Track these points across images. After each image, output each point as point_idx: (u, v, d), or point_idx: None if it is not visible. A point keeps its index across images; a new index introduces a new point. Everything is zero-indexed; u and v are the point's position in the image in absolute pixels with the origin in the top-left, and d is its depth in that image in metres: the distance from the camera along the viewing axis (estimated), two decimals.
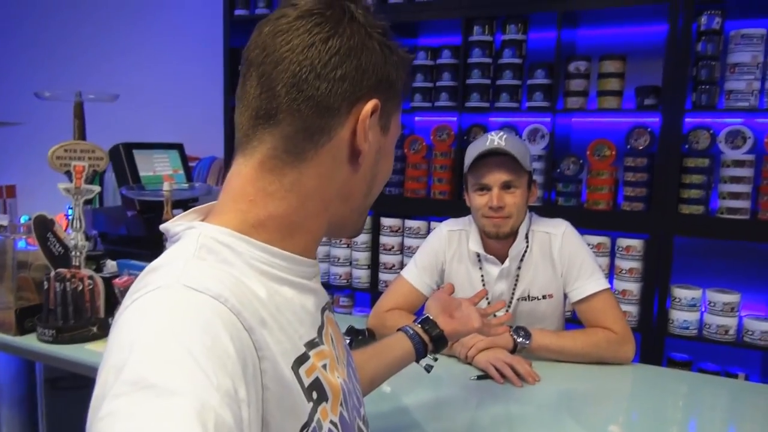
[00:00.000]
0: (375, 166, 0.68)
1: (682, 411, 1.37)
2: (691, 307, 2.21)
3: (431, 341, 1.10)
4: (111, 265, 1.83)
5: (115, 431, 0.43)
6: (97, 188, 1.68)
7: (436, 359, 1.17)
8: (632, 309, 2.30)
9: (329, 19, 0.60)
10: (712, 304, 2.19)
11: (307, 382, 0.59)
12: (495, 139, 1.50)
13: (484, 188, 1.52)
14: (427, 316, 1.13)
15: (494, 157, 1.49)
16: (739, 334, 2.18)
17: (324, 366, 0.63)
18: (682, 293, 2.22)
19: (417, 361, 1.11)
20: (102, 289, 1.61)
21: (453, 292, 1.22)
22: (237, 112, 0.64)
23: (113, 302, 1.63)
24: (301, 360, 0.59)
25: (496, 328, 1.22)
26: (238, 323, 0.52)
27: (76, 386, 1.77)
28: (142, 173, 2.38)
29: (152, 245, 2.12)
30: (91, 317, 1.58)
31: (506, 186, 1.51)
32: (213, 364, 0.47)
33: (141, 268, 1.68)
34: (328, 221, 0.66)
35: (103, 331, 1.59)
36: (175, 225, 0.63)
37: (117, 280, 1.58)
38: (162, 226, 0.65)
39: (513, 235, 1.56)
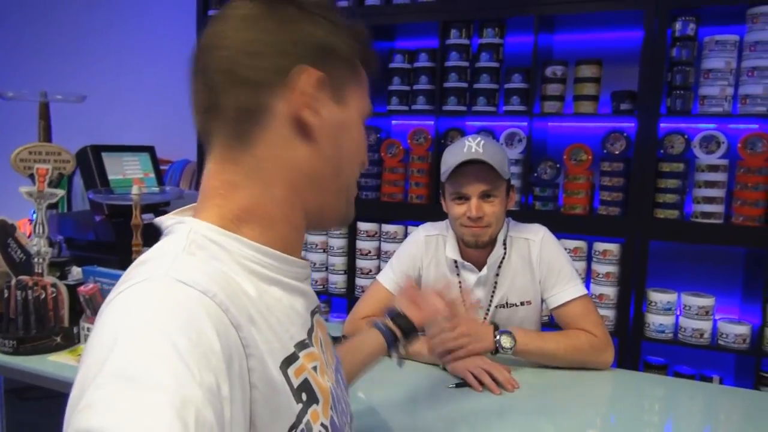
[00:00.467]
0: (338, 142, 0.65)
1: (659, 415, 1.37)
2: (667, 310, 2.22)
3: (402, 333, 1.12)
4: (76, 272, 1.76)
5: (93, 423, 0.42)
6: (61, 192, 1.61)
7: (401, 365, 1.17)
8: (609, 313, 2.30)
9: (264, 2, 0.61)
10: (687, 308, 2.20)
11: (296, 382, 0.58)
12: (473, 146, 1.46)
13: (463, 197, 1.49)
14: (397, 310, 1.15)
15: (472, 166, 1.45)
16: (714, 338, 2.19)
17: (314, 368, 0.63)
18: (658, 297, 2.23)
19: (389, 355, 1.12)
20: (66, 298, 1.55)
21: (414, 287, 1.26)
22: (193, 113, 0.65)
23: (78, 311, 1.57)
24: (289, 360, 0.58)
25: (466, 311, 1.29)
26: (225, 319, 0.51)
27: (42, 396, 1.70)
28: (111, 176, 2.32)
29: (121, 250, 2.06)
30: (55, 327, 1.52)
31: (485, 195, 1.48)
32: (197, 359, 0.46)
33: (107, 276, 1.61)
34: (304, 209, 0.65)
35: (68, 341, 1.53)
36: (167, 218, 0.63)
37: (82, 288, 1.52)
38: (155, 220, 0.65)
39: (491, 242, 1.54)
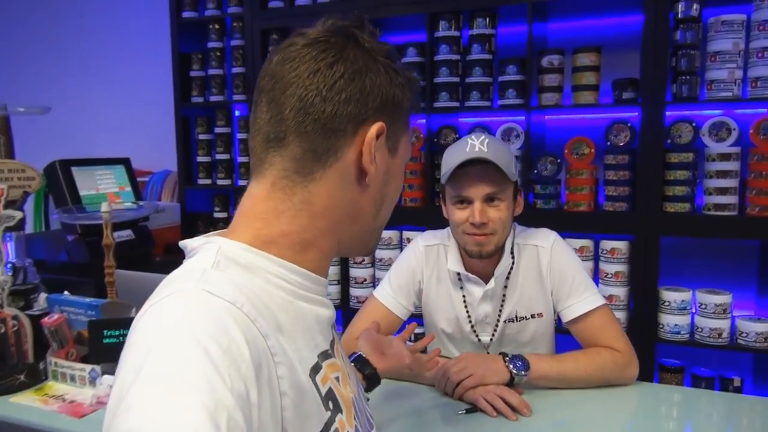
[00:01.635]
0: (384, 187, 0.69)
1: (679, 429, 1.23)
2: (682, 310, 2.09)
3: (365, 379, 1.10)
4: (44, 299, 1.60)
5: (131, 423, 0.45)
6: (19, 214, 1.47)
7: (368, 399, 1.03)
8: (620, 315, 2.17)
9: (334, 45, 0.63)
10: (702, 306, 2.07)
11: (323, 390, 0.61)
12: (476, 145, 1.32)
13: (465, 201, 1.34)
14: (360, 354, 1.13)
15: (475, 166, 1.30)
16: (732, 337, 2.06)
17: (337, 378, 0.65)
18: (672, 296, 2.10)
19: None
20: (30, 331, 1.40)
21: (380, 329, 1.23)
22: (249, 138, 0.67)
23: (44, 344, 1.42)
24: (315, 369, 0.61)
25: (427, 363, 1.21)
26: (254, 328, 0.54)
27: None
28: (83, 192, 2.16)
29: (96, 272, 1.91)
30: (18, 364, 1.37)
31: (489, 199, 1.33)
32: (227, 366, 0.49)
33: (75, 304, 1.44)
34: (339, 240, 0.68)
35: (33, 379, 1.37)
36: (193, 240, 0.65)
37: (46, 320, 1.37)
38: (181, 243, 0.66)
39: (498, 252, 1.39)
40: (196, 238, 0.65)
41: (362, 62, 0.63)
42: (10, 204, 1.61)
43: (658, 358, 2.17)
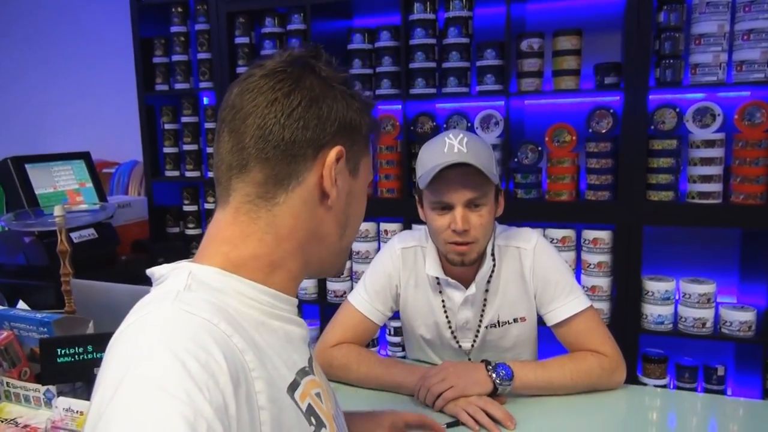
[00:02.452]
0: (347, 209, 0.72)
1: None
2: (665, 300, 2.06)
3: None
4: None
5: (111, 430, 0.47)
6: None
7: None
8: (603, 306, 2.13)
9: (290, 75, 0.66)
10: (686, 296, 2.04)
11: (303, 406, 0.63)
12: (455, 145, 1.23)
13: (446, 207, 1.26)
14: None
15: (456, 169, 1.22)
16: (716, 326, 2.04)
17: (317, 394, 0.67)
18: (655, 286, 2.06)
19: None
20: None
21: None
22: (214, 168, 0.70)
23: None
24: (293, 386, 0.63)
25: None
26: (231, 343, 0.55)
27: None
28: (39, 191, 2.04)
29: (57, 276, 1.80)
30: None
31: (471, 204, 1.25)
32: (206, 379, 0.50)
33: (26, 320, 1.33)
34: (306, 261, 0.69)
35: None
36: (160, 267, 0.66)
37: None
38: (148, 270, 0.67)
39: (479, 257, 1.32)
40: (162, 266, 0.66)
41: (319, 90, 0.66)
42: None
43: (642, 348, 2.14)
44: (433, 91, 2.28)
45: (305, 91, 0.65)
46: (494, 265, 1.36)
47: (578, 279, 2.13)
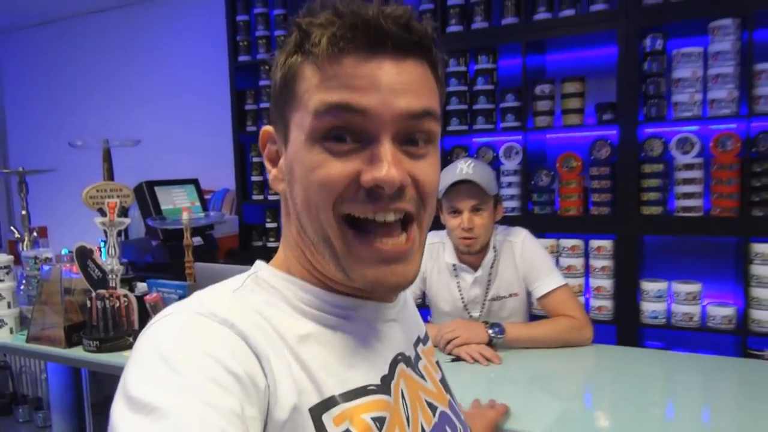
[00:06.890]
0: (297, 193, 0.61)
1: (632, 378, 1.60)
2: (659, 298, 2.45)
3: None
4: (141, 286, 2.13)
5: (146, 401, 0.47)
6: (128, 220, 1.99)
7: None
8: (607, 303, 2.53)
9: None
10: (677, 295, 2.42)
11: (332, 430, 0.55)
12: (464, 168, 1.74)
13: (457, 211, 1.78)
14: None
15: (464, 185, 1.73)
16: (703, 320, 2.40)
17: (376, 419, 0.58)
18: (650, 286, 2.46)
19: None
20: (135, 306, 1.90)
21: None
22: None
23: (145, 316, 1.92)
24: (326, 405, 0.56)
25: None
26: (245, 347, 0.53)
27: None
28: (163, 206, 2.70)
29: (175, 270, 2.41)
30: (128, 329, 1.87)
31: (475, 209, 1.75)
32: (217, 386, 0.49)
33: (167, 286, 1.99)
34: (313, 266, 0.63)
35: None
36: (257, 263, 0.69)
37: (147, 297, 1.87)
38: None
39: (483, 248, 1.82)
40: (257, 262, 0.68)
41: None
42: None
43: (642, 341, 2.52)
44: (465, 128, 2.80)
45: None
46: (495, 255, 1.86)
47: (586, 281, 2.57)
